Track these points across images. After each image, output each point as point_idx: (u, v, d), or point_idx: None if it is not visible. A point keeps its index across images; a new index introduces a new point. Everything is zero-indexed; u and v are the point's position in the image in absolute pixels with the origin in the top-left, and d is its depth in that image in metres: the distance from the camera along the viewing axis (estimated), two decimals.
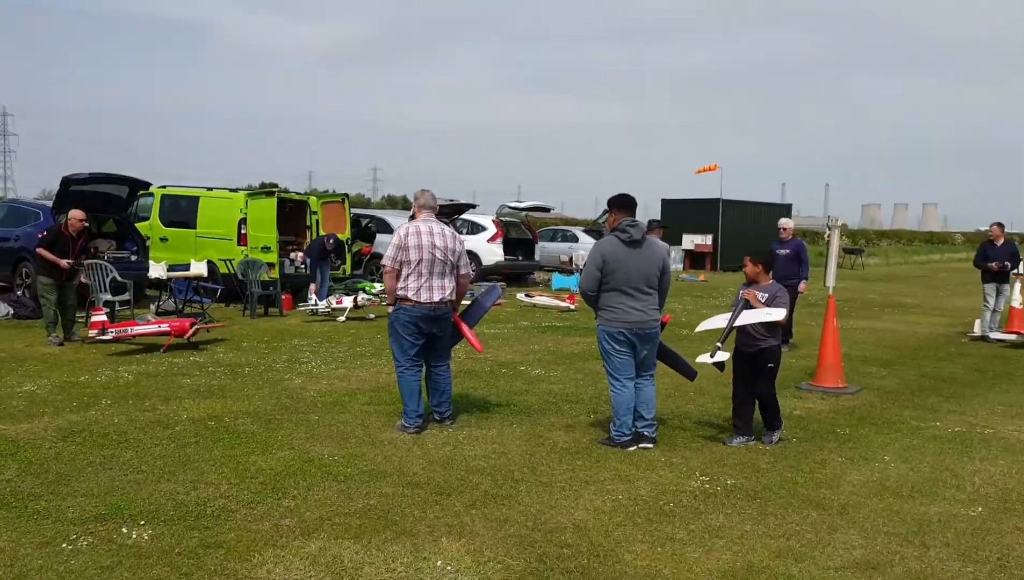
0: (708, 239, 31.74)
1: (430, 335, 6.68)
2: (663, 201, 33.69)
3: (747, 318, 6.48)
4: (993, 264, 13.14)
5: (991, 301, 13.21)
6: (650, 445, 6.38)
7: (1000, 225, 13.65)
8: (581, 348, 11.08)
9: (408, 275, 6.56)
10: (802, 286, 11.62)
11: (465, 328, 6.97)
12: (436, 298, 6.57)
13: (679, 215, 32.38)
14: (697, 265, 31.66)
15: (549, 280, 21.57)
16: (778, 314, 6.40)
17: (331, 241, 15.21)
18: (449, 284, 6.67)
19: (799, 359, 10.67)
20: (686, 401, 8.01)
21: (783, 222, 12.16)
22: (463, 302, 7.21)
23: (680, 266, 31.53)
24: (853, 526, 4.88)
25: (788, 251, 11.60)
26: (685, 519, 4.92)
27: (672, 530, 4.75)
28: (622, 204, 6.49)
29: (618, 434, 6.39)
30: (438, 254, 6.56)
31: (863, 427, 7.23)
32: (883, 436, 6.95)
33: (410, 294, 6.56)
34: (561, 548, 4.47)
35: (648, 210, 42.63)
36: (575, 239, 27.41)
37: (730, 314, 6.62)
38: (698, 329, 7.03)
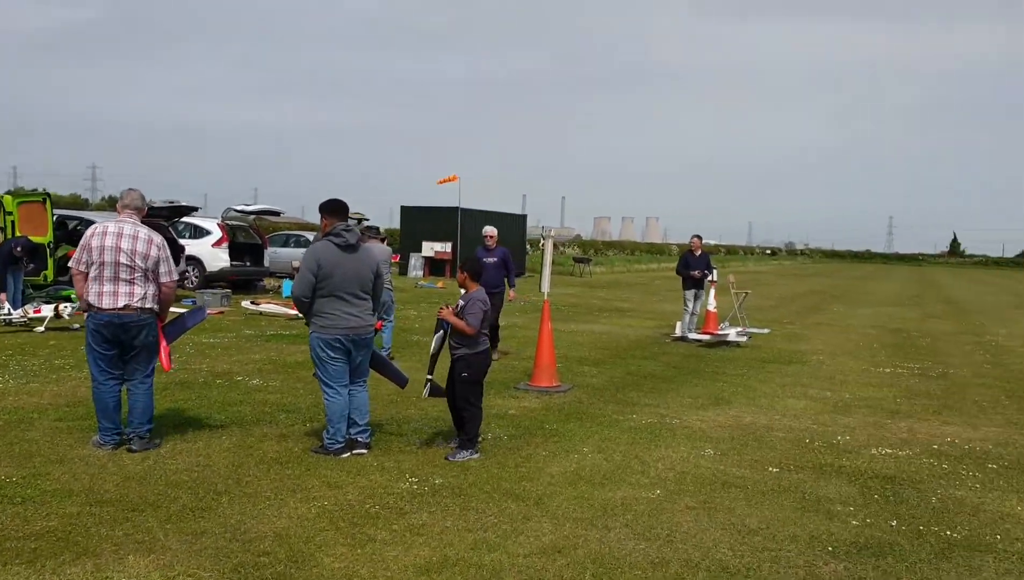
0: (447, 246, 32.39)
1: (121, 345, 6.21)
2: (403, 208, 33.97)
3: (434, 344, 6.72)
4: (695, 272, 14.53)
5: (690, 305, 14.61)
6: (364, 451, 6.39)
7: (699, 237, 15.14)
8: (305, 357, 10.80)
9: (92, 278, 6.10)
10: (511, 294, 11.68)
11: (163, 342, 6.53)
12: (120, 304, 6.08)
13: (419, 223, 32.87)
14: (437, 272, 32.23)
15: (279, 287, 21.02)
16: (435, 344, 6.66)
17: (18, 247, 13.80)
18: (140, 290, 6.15)
19: (521, 361, 11.17)
20: (408, 406, 8.11)
21: (487, 230, 11.95)
22: (179, 311, 6.80)
23: (420, 273, 31.96)
24: (546, 514, 5.19)
25: (495, 259, 11.42)
26: (389, 520, 4.99)
27: (375, 531, 4.80)
28: (334, 209, 6.46)
29: (331, 442, 6.34)
30: (123, 258, 6.06)
31: (569, 422, 7.71)
32: (585, 429, 7.45)
33: (92, 298, 6.10)
34: (259, 557, 4.37)
35: (392, 216, 42.72)
36: (309, 245, 26.92)
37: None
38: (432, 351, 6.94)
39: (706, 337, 14.06)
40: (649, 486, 5.85)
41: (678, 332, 14.60)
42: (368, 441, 6.48)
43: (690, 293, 14.62)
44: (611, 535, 4.89)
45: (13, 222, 15.08)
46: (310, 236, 28.18)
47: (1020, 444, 7.58)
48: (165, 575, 4.11)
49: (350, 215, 6.71)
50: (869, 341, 15.67)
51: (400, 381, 7.20)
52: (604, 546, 4.71)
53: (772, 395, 9.59)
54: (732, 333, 14.01)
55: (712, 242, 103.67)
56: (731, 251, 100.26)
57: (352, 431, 6.43)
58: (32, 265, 14.60)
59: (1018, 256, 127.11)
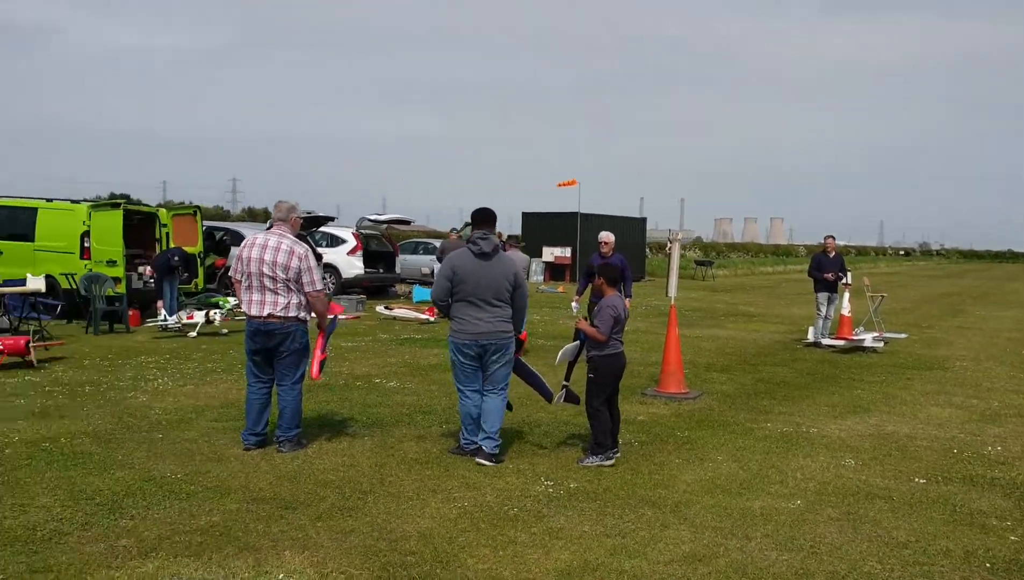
0: (567, 251, 32.48)
1: (268, 351, 6.54)
2: (523, 214, 34.27)
3: (566, 353, 6.90)
4: (828, 274, 14.07)
5: (823, 309, 14.14)
6: (485, 462, 6.25)
7: (832, 237, 14.63)
8: (439, 360, 11.17)
9: (244, 288, 6.52)
10: (626, 304, 11.15)
11: (318, 350, 6.81)
12: (265, 313, 6.42)
13: (539, 228, 33.08)
14: (557, 277, 32.34)
15: (410, 292, 21.59)
16: (567, 352, 6.83)
17: (175, 257, 14.73)
18: (283, 300, 6.44)
19: (647, 366, 11.11)
20: (537, 409, 8.21)
21: (604, 236, 10.98)
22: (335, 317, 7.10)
23: (541, 278, 32.16)
24: (684, 522, 5.17)
25: None
26: (528, 522, 5.09)
27: (514, 533, 4.90)
28: (481, 218, 6.67)
29: (467, 443, 6.50)
30: (265, 269, 6.39)
31: (701, 430, 7.64)
32: (718, 437, 7.36)
33: (244, 307, 6.52)
34: (405, 556, 4.54)
35: (512, 222, 43.16)
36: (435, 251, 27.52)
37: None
38: (557, 360, 7.01)
39: (841, 342, 13.60)
40: (789, 496, 5.74)
41: (811, 337, 14.15)
42: (492, 451, 6.33)
43: (823, 296, 14.16)
44: (752, 545, 4.83)
45: (168, 234, 16.07)
46: (437, 243, 28.84)
47: None
48: (320, 572, 4.32)
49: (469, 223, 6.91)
50: (1016, 345, 14.80)
51: (546, 394, 7.22)
52: (746, 556, 4.66)
53: (914, 403, 9.21)
54: (868, 338, 13.51)
55: (841, 243, 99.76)
56: (861, 252, 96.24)
57: (478, 437, 6.45)
58: (186, 274, 15.54)
59: None
